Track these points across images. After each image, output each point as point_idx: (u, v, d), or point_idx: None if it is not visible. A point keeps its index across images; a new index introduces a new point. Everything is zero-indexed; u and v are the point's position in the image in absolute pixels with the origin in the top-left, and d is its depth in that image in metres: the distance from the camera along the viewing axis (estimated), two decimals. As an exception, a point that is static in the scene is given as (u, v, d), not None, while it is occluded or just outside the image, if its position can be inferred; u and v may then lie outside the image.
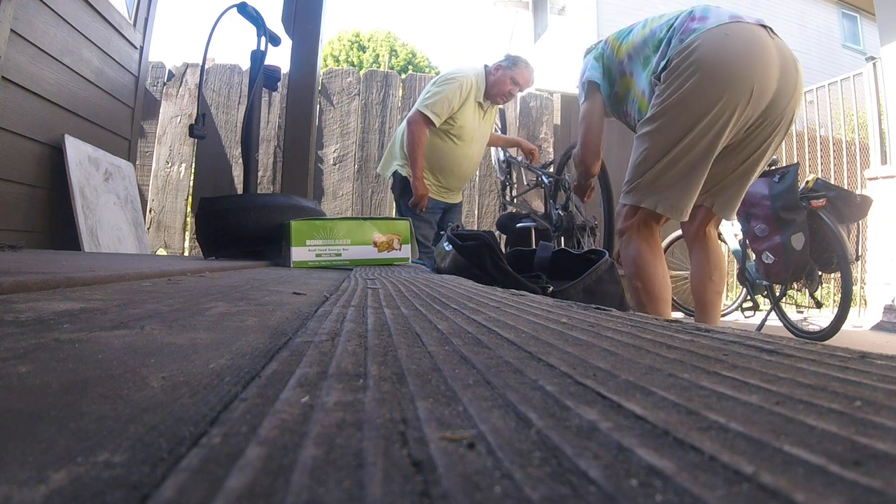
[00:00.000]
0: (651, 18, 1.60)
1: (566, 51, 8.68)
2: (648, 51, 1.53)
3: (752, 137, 1.47)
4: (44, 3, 2.11)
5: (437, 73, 3.26)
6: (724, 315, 3.30)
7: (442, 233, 1.89)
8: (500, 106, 3.44)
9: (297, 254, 1.44)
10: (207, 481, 0.13)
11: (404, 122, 2.62)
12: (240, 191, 3.26)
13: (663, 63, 1.44)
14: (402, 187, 2.59)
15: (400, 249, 1.61)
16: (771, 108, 1.41)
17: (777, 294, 2.78)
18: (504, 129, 3.43)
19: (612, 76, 1.68)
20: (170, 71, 3.68)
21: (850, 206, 2.50)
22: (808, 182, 2.56)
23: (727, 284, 4.36)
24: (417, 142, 2.47)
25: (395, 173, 2.63)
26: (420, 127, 2.47)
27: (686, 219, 1.50)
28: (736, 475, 0.13)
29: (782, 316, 2.82)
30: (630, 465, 0.14)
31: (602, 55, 1.71)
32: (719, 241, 1.75)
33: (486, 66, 2.63)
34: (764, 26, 1.43)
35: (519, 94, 4.12)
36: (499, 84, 2.58)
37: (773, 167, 2.75)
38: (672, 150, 1.41)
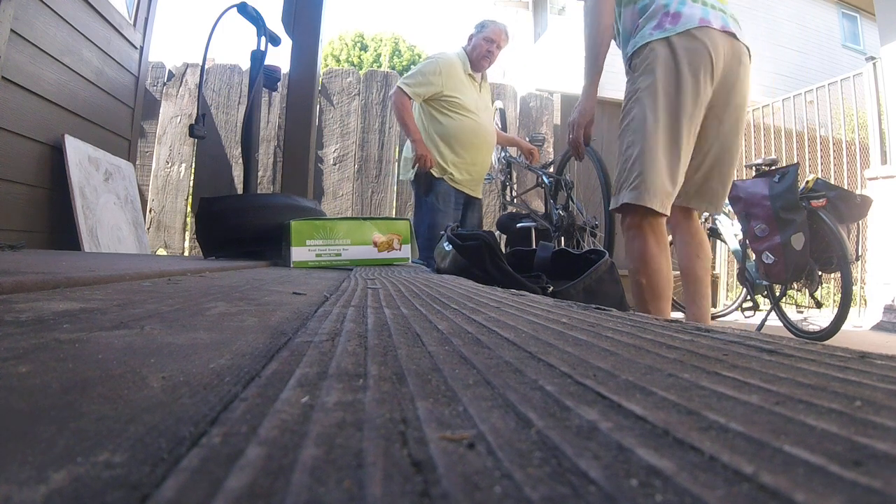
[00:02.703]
0: None
1: (566, 51, 8.67)
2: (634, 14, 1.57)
3: (709, 123, 1.54)
4: (44, 3, 2.11)
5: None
6: (724, 315, 3.30)
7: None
8: (500, 106, 3.45)
9: (297, 254, 1.44)
10: (207, 481, 0.13)
11: None
12: (240, 191, 3.26)
13: (631, 51, 1.53)
14: (427, 183, 2.64)
15: (400, 249, 1.61)
16: (717, 95, 1.51)
17: (777, 294, 2.78)
18: (504, 128, 3.44)
19: None
20: (170, 71, 3.68)
21: (850, 206, 2.50)
22: (808, 182, 2.56)
23: (727, 285, 4.37)
24: (402, 108, 2.59)
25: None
26: (401, 97, 2.59)
27: (668, 212, 1.52)
28: (736, 475, 0.13)
29: (782, 316, 2.82)
30: (630, 465, 0.14)
31: None
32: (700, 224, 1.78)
33: (462, 46, 2.78)
34: (728, 32, 1.48)
35: (519, 95, 4.14)
36: (476, 49, 2.71)
37: (773, 167, 2.75)
38: (646, 140, 1.45)
